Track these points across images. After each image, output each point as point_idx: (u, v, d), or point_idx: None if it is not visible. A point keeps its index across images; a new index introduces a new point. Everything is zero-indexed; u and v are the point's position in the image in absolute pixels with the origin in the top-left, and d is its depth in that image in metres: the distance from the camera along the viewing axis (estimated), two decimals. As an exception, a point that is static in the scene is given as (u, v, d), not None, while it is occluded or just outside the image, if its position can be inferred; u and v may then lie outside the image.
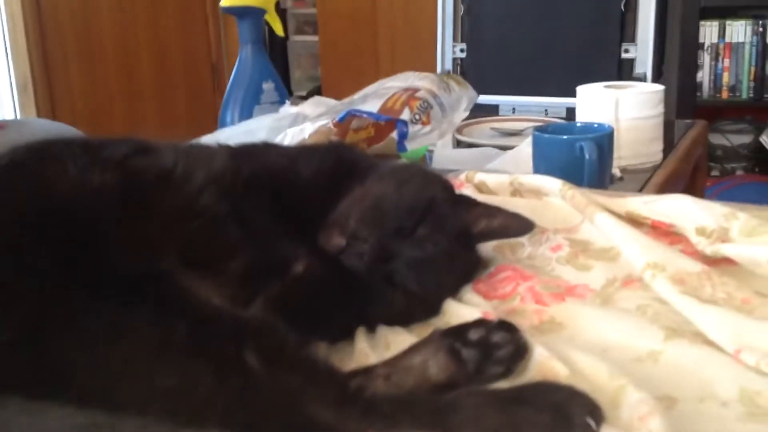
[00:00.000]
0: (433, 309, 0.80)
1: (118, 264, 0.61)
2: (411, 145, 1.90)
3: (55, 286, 0.58)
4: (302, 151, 0.94)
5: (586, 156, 1.25)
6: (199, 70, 3.95)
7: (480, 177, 1.17)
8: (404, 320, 0.79)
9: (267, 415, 0.54)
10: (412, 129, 1.92)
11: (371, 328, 0.78)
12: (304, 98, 2.24)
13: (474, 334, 0.65)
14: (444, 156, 1.96)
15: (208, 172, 0.76)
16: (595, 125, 1.37)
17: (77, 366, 0.55)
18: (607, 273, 0.85)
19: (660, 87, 1.53)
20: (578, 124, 1.44)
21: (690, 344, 0.68)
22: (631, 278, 0.83)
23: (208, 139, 1.59)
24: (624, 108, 1.46)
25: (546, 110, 2.07)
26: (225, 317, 0.60)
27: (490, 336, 0.65)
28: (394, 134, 1.91)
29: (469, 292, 0.85)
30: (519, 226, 0.87)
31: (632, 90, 1.52)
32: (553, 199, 1.05)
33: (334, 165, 0.88)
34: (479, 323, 0.67)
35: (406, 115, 1.92)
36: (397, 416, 0.55)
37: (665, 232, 0.92)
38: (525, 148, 1.60)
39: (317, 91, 3.85)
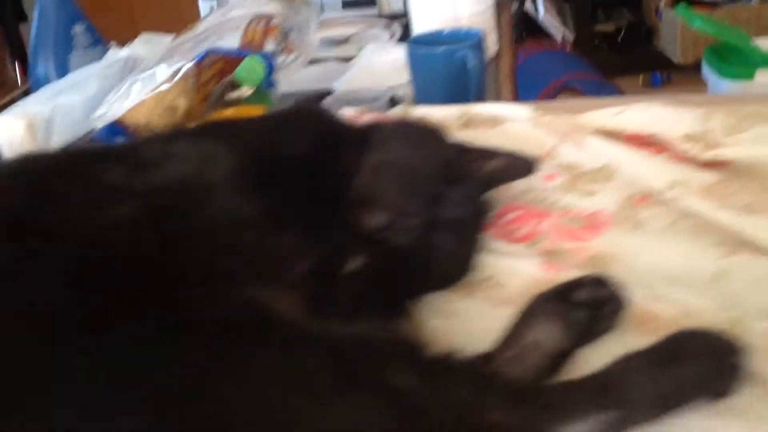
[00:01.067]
0: (471, 267, 0.75)
1: (195, 306, 0.50)
2: (279, 76, 1.77)
3: (149, 353, 0.46)
4: (278, 125, 0.82)
5: (469, 65, 1.19)
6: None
7: (421, 111, 1.11)
8: (446, 285, 0.74)
9: None
10: (278, 60, 1.79)
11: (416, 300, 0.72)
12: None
13: (580, 295, 0.61)
14: (288, 80, 1.83)
15: (218, 172, 0.65)
16: (462, 31, 1.29)
17: None
18: (614, 195, 0.84)
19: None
20: (444, 32, 1.32)
21: (752, 256, 0.69)
22: (642, 196, 0.83)
23: (32, 102, 1.37)
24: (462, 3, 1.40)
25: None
26: (353, 340, 0.51)
27: (595, 293, 0.62)
28: (259, 63, 1.78)
29: (490, 240, 0.80)
30: (520, 166, 0.83)
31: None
32: (513, 126, 1.02)
33: (321, 136, 0.79)
34: (578, 282, 0.64)
35: (270, 47, 1.78)
36: (569, 404, 0.51)
37: (646, 143, 0.92)
38: (371, 56, 1.56)
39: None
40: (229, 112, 1.79)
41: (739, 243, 0.71)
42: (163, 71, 1.73)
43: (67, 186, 0.58)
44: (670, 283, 0.68)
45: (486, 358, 0.58)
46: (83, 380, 0.44)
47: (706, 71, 1.70)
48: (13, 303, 0.47)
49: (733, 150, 0.84)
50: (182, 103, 1.77)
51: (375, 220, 0.69)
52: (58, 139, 1.36)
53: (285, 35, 1.82)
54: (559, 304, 0.61)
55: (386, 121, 0.86)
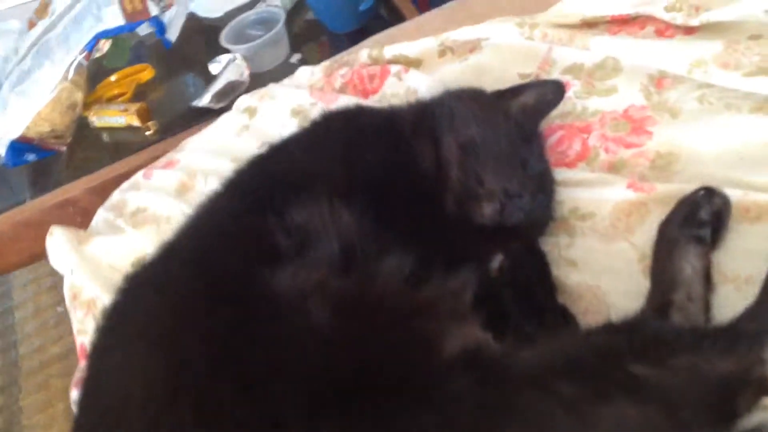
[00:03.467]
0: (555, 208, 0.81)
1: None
2: (170, 33, 1.68)
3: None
4: (326, 144, 0.81)
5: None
6: None
7: (393, 50, 1.11)
8: (544, 233, 0.80)
9: (700, 401, 0.56)
10: (166, 18, 1.68)
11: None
12: None
13: (703, 213, 0.69)
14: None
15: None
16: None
17: None
18: (633, 84, 0.91)
19: None
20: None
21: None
22: (658, 78, 0.90)
23: None
24: None
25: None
26: (590, 349, 0.58)
27: (713, 206, 0.69)
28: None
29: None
30: (553, 90, 0.87)
31: None
32: (494, 45, 1.04)
33: (375, 138, 0.80)
34: (694, 200, 0.70)
35: (154, 10, 1.66)
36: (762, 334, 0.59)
37: (628, 22, 0.98)
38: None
39: None
40: (114, 77, 1.69)
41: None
42: (51, 72, 1.59)
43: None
44: (737, 166, 0.76)
45: (662, 310, 0.65)
46: None
47: None
48: None
49: (720, 11, 0.90)
50: (79, 96, 1.65)
51: (489, 210, 0.73)
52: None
53: (161, -11, 1.69)
54: (689, 229, 0.69)
55: (428, 98, 0.86)
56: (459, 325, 0.64)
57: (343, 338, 0.59)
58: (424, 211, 0.73)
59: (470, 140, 0.76)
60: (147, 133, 1.59)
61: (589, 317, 0.72)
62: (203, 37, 1.77)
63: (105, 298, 0.97)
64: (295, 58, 1.64)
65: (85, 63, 1.64)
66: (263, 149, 0.86)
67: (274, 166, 0.79)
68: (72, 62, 1.58)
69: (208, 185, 1.07)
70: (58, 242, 1.05)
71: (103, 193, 1.55)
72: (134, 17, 1.63)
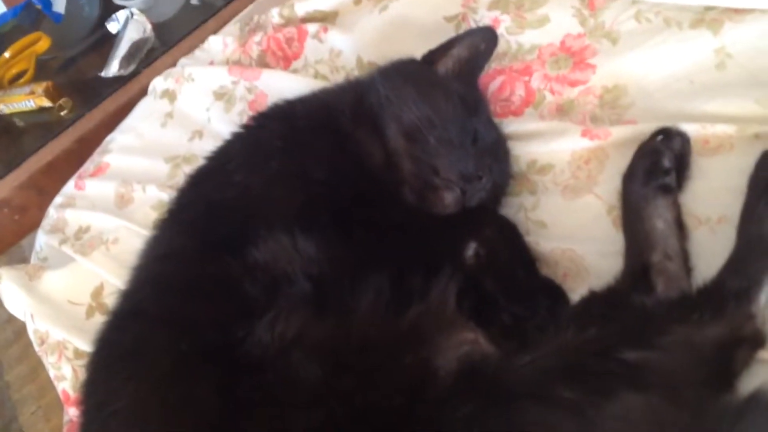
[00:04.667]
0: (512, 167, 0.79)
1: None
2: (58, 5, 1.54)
3: None
4: (294, 145, 0.76)
5: None
6: None
7: (305, 6, 1.04)
8: (506, 195, 0.79)
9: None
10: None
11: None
12: None
13: (666, 161, 0.67)
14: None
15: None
16: None
17: None
18: (563, 8, 0.86)
19: None
20: None
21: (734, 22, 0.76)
22: (590, 2, 0.85)
23: None
24: None
25: None
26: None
27: (673, 149, 0.68)
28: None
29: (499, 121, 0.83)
30: (484, 38, 0.83)
31: None
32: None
33: (313, 135, 0.76)
34: (652, 148, 0.69)
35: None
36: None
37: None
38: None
39: None
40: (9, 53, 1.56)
41: (715, 13, 0.76)
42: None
43: None
44: (689, 95, 0.74)
45: (642, 276, 0.65)
46: None
47: None
48: None
49: None
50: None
51: (450, 199, 0.70)
52: None
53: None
54: (654, 180, 0.67)
55: (360, 79, 0.81)
56: (448, 335, 0.63)
57: (336, 389, 0.57)
58: (385, 215, 0.70)
59: (413, 126, 0.72)
60: (62, 113, 1.49)
61: (569, 281, 0.72)
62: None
63: (74, 341, 0.94)
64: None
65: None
66: (199, 167, 0.81)
67: (217, 194, 0.75)
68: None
69: (147, 194, 1.02)
70: (9, 287, 1.00)
71: (34, 186, 1.47)
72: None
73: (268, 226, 0.67)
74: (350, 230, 0.67)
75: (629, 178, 0.69)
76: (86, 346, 0.94)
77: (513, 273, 0.69)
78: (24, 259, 1.34)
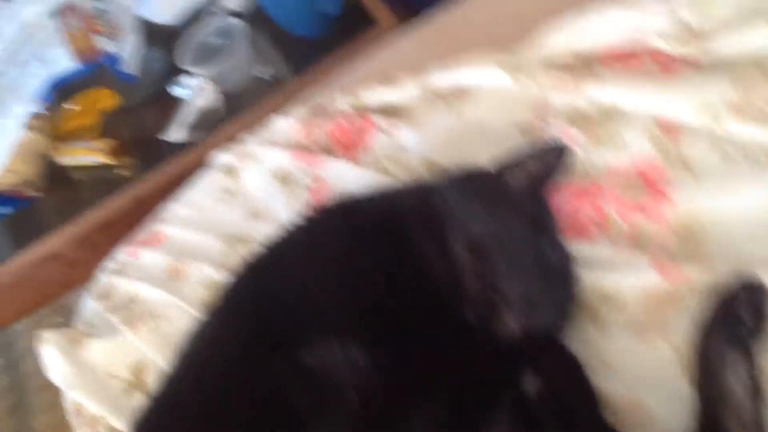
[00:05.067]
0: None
1: None
2: (130, 67, 1.57)
3: None
4: (355, 244, 0.75)
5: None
6: None
7: (373, 98, 1.03)
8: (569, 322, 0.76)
9: None
10: (119, 53, 1.58)
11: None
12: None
13: (744, 313, 0.64)
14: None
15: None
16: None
17: None
18: (640, 133, 0.84)
19: None
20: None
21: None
22: (667, 127, 0.83)
23: None
24: None
25: None
26: None
27: (754, 303, 0.65)
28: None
29: (570, 243, 0.81)
30: (559, 154, 0.81)
31: None
32: (485, 89, 0.97)
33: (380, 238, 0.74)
34: (732, 298, 0.66)
35: (105, 44, 1.55)
36: None
37: (625, 57, 0.90)
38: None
39: None
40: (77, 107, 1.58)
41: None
42: (5, 125, 1.50)
43: None
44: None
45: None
46: None
47: None
48: None
49: (727, 41, 0.83)
50: (44, 142, 1.56)
51: (512, 321, 0.67)
52: None
53: (101, 18, 1.58)
54: (729, 331, 0.64)
55: (429, 183, 0.80)
56: None
57: None
58: (444, 334, 0.68)
59: (481, 243, 0.70)
60: (123, 172, 1.51)
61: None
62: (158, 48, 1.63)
63: (109, 417, 0.93)
64: (266, 73, 1.53)
65: (43, 111, 1.54)
66: (259, 254, 0.80)
67: (273, 289, 0.73)
68: (28, 113, 1.49)
69: (200, 272, 1.01)
70: (52, 353, 0.99)
71: (88, 241, 1.48)
72: (86, 56, 1.52)
73: (323, 330, 0.65)
74: (407, 345, 0.65)
75: (706, 332, 0.66)
76: (121, 425, 0.92)
77: (576, 414, 0.66)
78: (68, 313, 1.34)
